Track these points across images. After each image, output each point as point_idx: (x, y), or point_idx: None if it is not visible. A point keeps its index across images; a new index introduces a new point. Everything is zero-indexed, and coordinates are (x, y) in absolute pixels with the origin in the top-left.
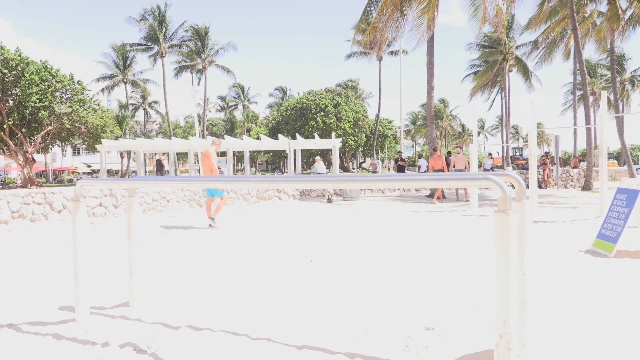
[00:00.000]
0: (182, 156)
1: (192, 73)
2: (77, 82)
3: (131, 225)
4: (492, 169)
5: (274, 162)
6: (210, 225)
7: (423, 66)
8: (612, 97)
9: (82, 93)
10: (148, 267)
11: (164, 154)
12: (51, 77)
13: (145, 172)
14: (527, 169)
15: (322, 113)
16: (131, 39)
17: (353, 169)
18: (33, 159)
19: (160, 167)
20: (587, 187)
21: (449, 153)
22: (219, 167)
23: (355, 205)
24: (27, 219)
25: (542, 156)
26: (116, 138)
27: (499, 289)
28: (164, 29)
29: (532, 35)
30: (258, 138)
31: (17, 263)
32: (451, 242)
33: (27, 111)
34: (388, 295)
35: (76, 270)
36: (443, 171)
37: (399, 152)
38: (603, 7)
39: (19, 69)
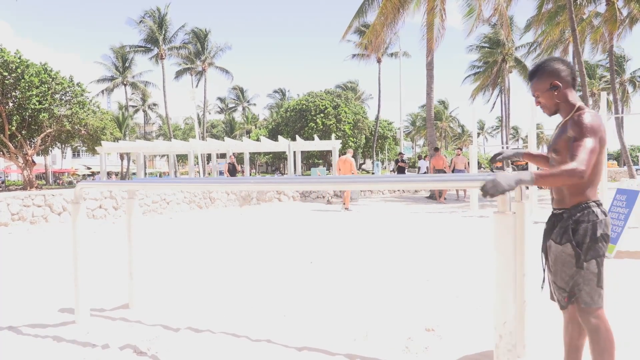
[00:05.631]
0: (181, 158)
1: (191, 75)
2: (77, 84)
3: (131, 227)
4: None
5: (274, 163)
6: (347, 209)
7: (423, 67)
8: (611, 98)
9: (82, 95)
10: (148, 267)
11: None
12: (51, 79)
13: (145, 174)
14: (527, 170)
15: (322, 114)
16: (131, 41)
17: None
18: (33, 161)
19: (233, 171)
20: None
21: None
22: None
23: (355, 207)
24: (27, 221)
25: None
26: (116, 140)
27: (499, 290)
28: (163, 31)
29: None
30: (258, 140)
31: (17, 265)
32: (451, 243)
33: (27, 113)
34: (388, 297)
35: (76, 272)
36: (444, 171)
37: (400, 153)
38: (601, 8)
39: (19, 72)
